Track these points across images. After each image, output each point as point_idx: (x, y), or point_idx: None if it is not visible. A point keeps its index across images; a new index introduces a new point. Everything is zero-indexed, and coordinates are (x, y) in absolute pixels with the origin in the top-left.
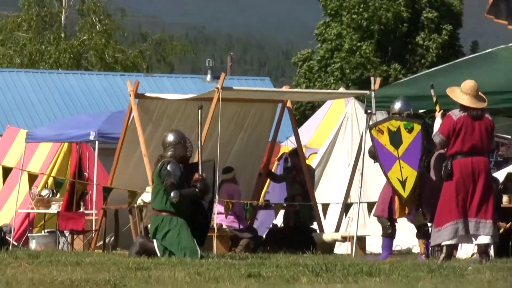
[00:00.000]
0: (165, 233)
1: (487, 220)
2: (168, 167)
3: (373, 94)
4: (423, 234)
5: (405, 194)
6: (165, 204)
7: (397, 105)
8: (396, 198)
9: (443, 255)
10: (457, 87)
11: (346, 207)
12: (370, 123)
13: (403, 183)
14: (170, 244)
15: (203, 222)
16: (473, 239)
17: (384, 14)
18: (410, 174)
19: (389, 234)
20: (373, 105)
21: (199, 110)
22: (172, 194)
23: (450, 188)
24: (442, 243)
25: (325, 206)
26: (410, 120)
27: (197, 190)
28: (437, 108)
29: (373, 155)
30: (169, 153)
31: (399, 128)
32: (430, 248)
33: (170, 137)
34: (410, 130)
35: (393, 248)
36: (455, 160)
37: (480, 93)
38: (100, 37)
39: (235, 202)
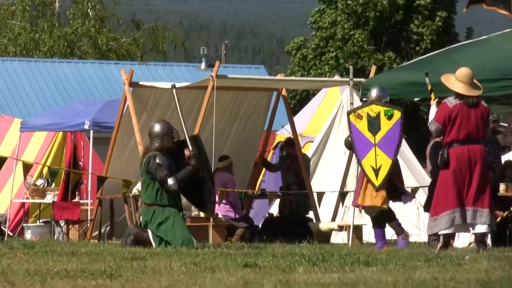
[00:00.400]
0: (159, 223)
1: (484, 208)
2: (157, 160)
3: (351, 83)
4: (384, 219)
5: (377, 182)
6: (155, 197)
7: (374, 92)
8: (363, 186)
9: (440, 244)
10: (451, 75)
11: (342, 196)
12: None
13: (376, 171)
14: (165, 234)
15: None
16: (470, 228)
17: (380, 1)
18: (385, 162)
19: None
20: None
21: (173, 90)
22: (169, 182)
23: (446, 177)
24: (439, 232)
25: (320, 195)
26: (391, 106)
27: (191, 167)
28: (432, 96)
29: (349, 144)
30: (156, 144)
31: (379, 114)
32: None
33: (157, 128)
34: (390, 117)
35: (390, 237)
36: (451, 148)
37: (475, 80)
38: (92, 24)
39: (229, 191)
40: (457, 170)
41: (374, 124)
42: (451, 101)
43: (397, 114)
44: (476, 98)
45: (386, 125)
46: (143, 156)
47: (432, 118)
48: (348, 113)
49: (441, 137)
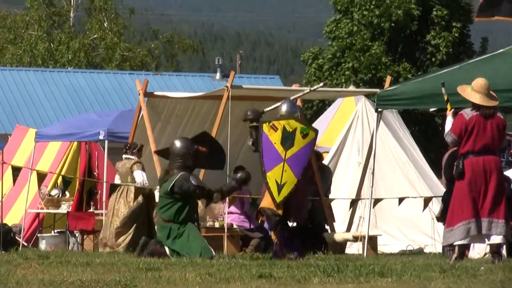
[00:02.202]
0: (174, 238)
1: (499, 219)
2: (192, 182)
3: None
4: (275, 225)
5: (278, 198)
6: (174, 215)
7: (284, 107)
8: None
9: (455, 255)
10: (467, 86)
11: (352, 202)
12: (381, 123)
13: (280, 186)
14: (181, 248)
15: None
16: (486, 239)
17: (395, 12)
18: (290, 180)
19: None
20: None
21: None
22: (214, 197)
23: (462, 188)
24: (454, 243)
25: (329, 201)
26: (307, 125)
27: (235, 183)
28: (448, 106)
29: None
30: (177, 164)
31: (295, 130)
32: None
33: (178, 146)
34: (305, 136)
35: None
36: (467, 159)
37: (491, 91)
38: (112, 36)
39: (244, 200)
40: (472, 181)
41: (288, 139)
42: (467, 113)
43: (312, 134)
44: (492, 109)
45: (299, 142)
46: (166, 174)
47: (449, 129)
48: (263, 122)
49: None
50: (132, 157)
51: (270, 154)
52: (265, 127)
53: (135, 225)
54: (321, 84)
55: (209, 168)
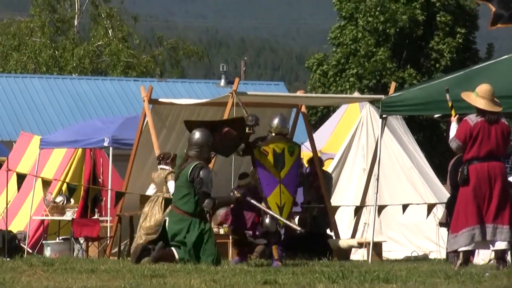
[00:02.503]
0: (193, 232)
1: (504, 225)
2: (201, 175)
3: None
4: (276, 240)
5: (281, 221)
6: (194, 208)
7: (275, 122)
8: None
9: (459, 261)
10: (471, 92)
11: (357, 209)
12: (386, 129)
13: (281, 208)
14: (196, 245)
15: None
16: (490, 245)
17: (400, 18)
18: (288, 200)
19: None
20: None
21: None
22: (206, 203)
23: (466, 194)
24: (459, 249)
25: (334, 209)
26: (291, 143)
27: (233, 198)
28: (453, 113)
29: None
30: (193, 152)
31: (283, 150)
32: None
33: (197, 136)
34: (291, 153)
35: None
36: (471, 165)
37: (494, 97)
38: (117, 43)
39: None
40: (477, 187)
41: (279, 161)
42: (472, 119)
43: (297, 151)
44: (496, 115)
45: (289, 161)
46: (184, 162)
47: (453, 135)
48: (253, 148)
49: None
50: (167, 167)
51: (266, 179)
52: (256, 153)
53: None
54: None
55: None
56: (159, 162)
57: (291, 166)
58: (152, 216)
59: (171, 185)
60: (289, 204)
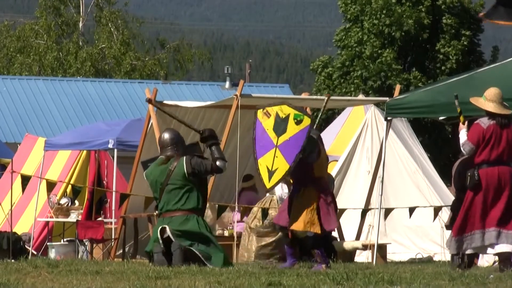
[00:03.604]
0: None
1: (509, 230)
2: (196, 157)
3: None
4: (311, 244)
5: (268, 185)
6: (197, 203)
7: None
8: (302, 211)
9: (463, 264)
10: (479, 97)
11: (363, 212)
12: (391, 131)
13: (271, 173)
14: (207, 243)
15: None
16: (490, 248)
17: (405, 21)
18: (282, 167)
19: (288, 242)
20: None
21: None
22: (220, 164)
23: (473, 197)
24: (466, 252)
25: (341, 212)
26: (301, 111)
27: (214, 142)
28: (461, 119)
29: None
30: (170, 152)
31: (288, 116)
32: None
33: (167, 136)
34: (298, 122)
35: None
36: (482, 169)
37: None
38: (119, 46)
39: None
40: (485, 191)
41: (280, 126)
42: (484, 122)
43: (306, 121)
44: (507, 119)
45: (292, 129)
46: (169, 165)
47: (465, 139)
48: (257, 109)
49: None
50: None
51: (262, 140)
52: (259, 114)
53: None
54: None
55: None
56: None
57: (294, 134)
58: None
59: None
60: (282, 172)
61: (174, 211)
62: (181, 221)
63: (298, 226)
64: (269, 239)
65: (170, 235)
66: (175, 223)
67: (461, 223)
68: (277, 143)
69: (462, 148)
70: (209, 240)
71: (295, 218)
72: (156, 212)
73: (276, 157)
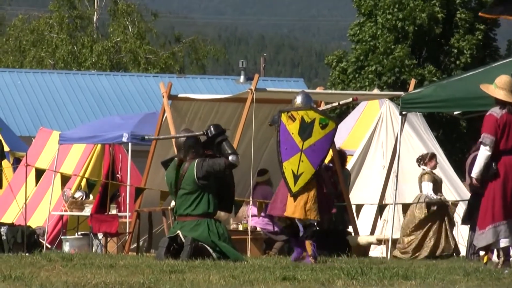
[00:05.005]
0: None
1: None
2: (209, 161)
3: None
4: (311, 234)
5: (294, 189)
6: (207, 207)
7: (299, 99)
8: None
9: (502, 259)
10: (490, 84)
11: (381, 209)
12: (406, 124)
13: (296, 177)
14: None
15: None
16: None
17: (419, 15)
18: (307, 171)
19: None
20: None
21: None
22: (233, 159)
23: (494, 189)
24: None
25: (359, 207)
26: (327, 116)
27: (225, 137)
28: None
29: (274, 122)
30: (183, 155)
31: (313, 121)
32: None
33: (183, 138)
34: (324, 126)
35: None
36: (499, 159)
37: None
38: (134, 39)
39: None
40: (505, 181)
41: (306, 130)
42: (496, 112)
43: (332, 125)
44: None
45: (318, 133)
46: (179, 166)
47: (484, 134)
48: (281, 112)
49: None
50: (425, 167)
51: (287, 144)
52: (283, 117)
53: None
54: (350, 99)
55: None
56: (419, 164)
57: (319, 139)
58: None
59: (424, 186)
60: (308, 175)
61: (185, 216)
62: (191, 226)
63: (298, 213)
64: None
65: (183, 239)
66: (187, 228)
67: (483, 216)
68: (302, 148)
69: (482, 145)
70: (221, 248)
71: (296, 207)
72: (170, 206)
73: (302, 161)
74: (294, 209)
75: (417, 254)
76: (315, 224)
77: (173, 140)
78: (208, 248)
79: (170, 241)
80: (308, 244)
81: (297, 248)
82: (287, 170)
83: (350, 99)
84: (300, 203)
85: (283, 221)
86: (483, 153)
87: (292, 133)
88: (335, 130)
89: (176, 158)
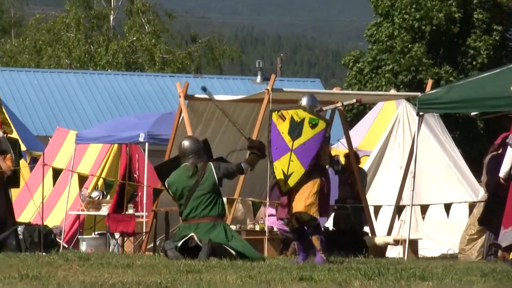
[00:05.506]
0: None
1: None
2: (221, 162)
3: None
4: (315, 229)
5: (284, 188)
6: (222, 210)
7: (304, 101)
8: (304, 195)
9: None
10: None
11: (399, 209)
12: (422, 125)
13: (286, 177)
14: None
15: None
16: None
17: (436, 15)
18: (297, 170)
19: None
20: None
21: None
22: (244, 167)
23: None
24: None
25: (377, 209)
26: (317, 116)
27: (257, 153)
28: None
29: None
30: (192, 160)
31: (303, 120)
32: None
33: (188, 144)
34: (313, 126)
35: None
36: None
37: None
38: (150, 38)
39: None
40: None
41: (295, 129)
42: None
43: (322, 125)
44: None
45: (308, 133)
46: (196, 169)
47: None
48: (272, 111)
49: (498, 151)
50: None
51: (277, 143)
52: (274, 116)
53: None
54: (354, 100)
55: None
56: None
57: (309, 138)
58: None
59: None
60: (298, 175)
61: (202, 217)
62: (207, 228)
63: (299, 207)
64: None
65: (198, 242)
66: (201, 230)
67: (508, 215)
68: (292, 147)
69: (510, 146)
70: (236, 248)
71: (297, 202)
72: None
73: (292, 161)
74: (295, 203)
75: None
76: (317, 219)
77: (179, 146)
78: (227, 247)
79: (179, 244)
80: (315, 239)
81: (303, 253)
82: (278, 169)
83: (354, 100)
84: (300, 197)
85: (290, 225)
86: (511, 153)
87: (282, 132)
88: (325, 129)
89: (186, 164)
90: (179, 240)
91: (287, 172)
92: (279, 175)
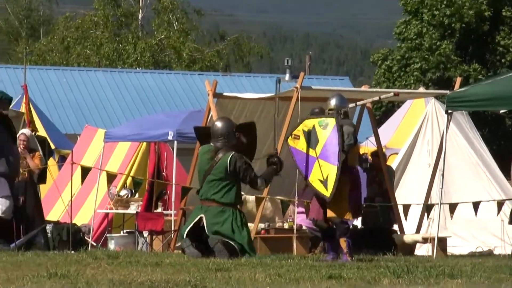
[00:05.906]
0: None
1: None
2: (244, 159)
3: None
4: (344, 232)
5: (327, 193)
6: (235, 199)
7: (333, 102)
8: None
9: None
10: None
11: (428, 208)
12: (451, 123)
13: (324, 182)
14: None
15: None
16: None
17: (466, 12)
18: (330, 171)
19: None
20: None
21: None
22: (259, 183)
23: None
24: None
25: (406, 207)
26: (323, 116)
27: (275, 168)
28: None
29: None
30: (220, 143)
31: (314, 127)
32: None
33: (220, 126)
34: (324, 127)
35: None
36: None
37: None
38: (178, 36)
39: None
40: None
41: (312, 139)
42: None
43: (332, 122)
44: None
45: (323, 135)
46: (215, 155)
47: None
48: (286, 138)
49: None
50: None
51: (303, 161)
52: (290, 141)
53: None
54: (391, 94)
55: None
56: None
57: (326, 138)
58: None
59: None
60: (333, 174)
61: (211, 201)
62: (216, 212)
63: (332, 213)
64: None
65: (206, 230)
66: (211, 214)
67: None
68: (317, 155)
69: None
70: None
71: (330, 207)
72: None
73: (321, 166)
74: (330, 208)
75: None
76: (347, 222)
77: (211, 125)
78: (232, 243)
79: (192, 236)
80: (342, 241)
81: (332, 252)
82: (315, 182)
83: (391, 94)
84: (333, 202)
85: (320, 225)
86: None
87: (303, 149)
88: (337, 124)
89: (211, 145)
90: (190, 223)
91: (323, 177)
92: (318, 186)
